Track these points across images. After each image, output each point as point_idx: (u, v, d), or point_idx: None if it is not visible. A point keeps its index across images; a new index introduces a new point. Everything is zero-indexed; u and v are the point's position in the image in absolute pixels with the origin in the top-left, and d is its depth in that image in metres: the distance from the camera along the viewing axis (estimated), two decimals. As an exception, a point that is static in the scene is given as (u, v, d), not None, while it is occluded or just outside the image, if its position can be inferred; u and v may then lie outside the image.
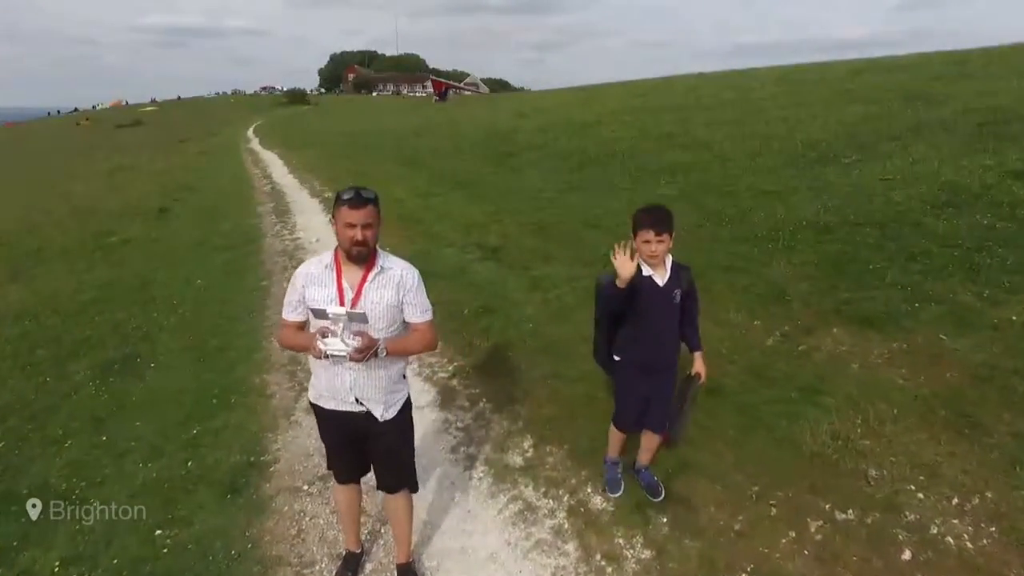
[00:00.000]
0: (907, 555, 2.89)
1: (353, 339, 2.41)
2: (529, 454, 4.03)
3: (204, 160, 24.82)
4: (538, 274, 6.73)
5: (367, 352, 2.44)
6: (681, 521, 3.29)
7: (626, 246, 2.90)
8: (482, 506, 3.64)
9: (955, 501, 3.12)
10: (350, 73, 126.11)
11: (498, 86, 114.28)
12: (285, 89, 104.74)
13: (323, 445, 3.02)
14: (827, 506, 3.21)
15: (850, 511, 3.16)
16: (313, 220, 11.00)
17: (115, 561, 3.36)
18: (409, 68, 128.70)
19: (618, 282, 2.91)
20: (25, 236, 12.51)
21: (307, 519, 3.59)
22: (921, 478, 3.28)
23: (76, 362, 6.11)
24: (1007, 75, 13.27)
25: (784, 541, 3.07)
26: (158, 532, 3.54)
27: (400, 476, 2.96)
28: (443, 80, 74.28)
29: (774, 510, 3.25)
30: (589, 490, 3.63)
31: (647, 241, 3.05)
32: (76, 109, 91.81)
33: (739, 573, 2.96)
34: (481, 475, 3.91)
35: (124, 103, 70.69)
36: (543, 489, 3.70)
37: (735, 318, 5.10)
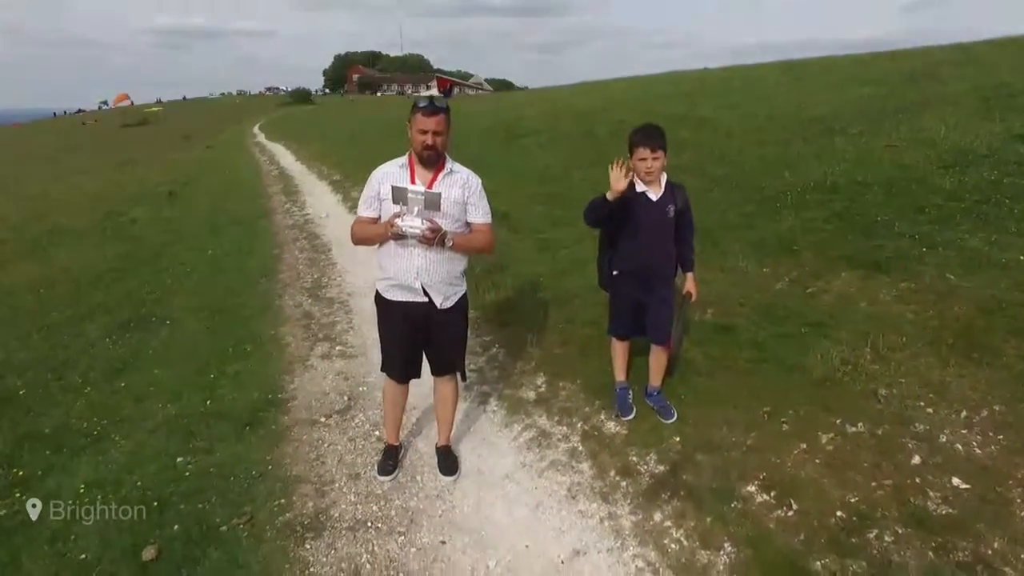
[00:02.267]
0: (917, 460, 2.94)
1: (426, 222, 2.72)
2: (542, 389, 4.08)
3: (211, 152, 24.96)
4: (547, 237, 6.80)
5: (437, 233, 2.75)
6: (693, 439, 3.35)
7: (623, 163, 3.01)
8: (496, 435, 3.71)
9: (963, 414, 3.17)
10: (354, 73, 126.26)
11: (502, 87, 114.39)
12: (289, 89, 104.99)
13: (380, 349, 3.27)
14: (837, 421, 3.26)
15: (860, 424, 3.21)
16: (322, 199, 11.08)
17: (138, 483, 3.43)
18: (413, 68, 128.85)
19: (608, 194, 3.06)
20: (37, 221, 12.64)
21: (325, 445, 3.66)
22: (930, 396, 3.33)
23: (92, 322, 6.19)
24: (1014, 59, 13.25)
25: (795, 452, 3.12)
26: (179, 459, 3.61)
27: (453, 361, 3.25)
28: (448, 78, 74.40)
29: (785, 426, 3.31)
30: (602, 416, 3.69)
31: (643, 159, 3.19)
32: (80, 110, 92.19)
33: (752, 482, 3.01)
34: (495, 408, 3.97)
35: (130, 101, 70.90)
36: (556, 418, 3.76)
37: (744, 266, 5.15)
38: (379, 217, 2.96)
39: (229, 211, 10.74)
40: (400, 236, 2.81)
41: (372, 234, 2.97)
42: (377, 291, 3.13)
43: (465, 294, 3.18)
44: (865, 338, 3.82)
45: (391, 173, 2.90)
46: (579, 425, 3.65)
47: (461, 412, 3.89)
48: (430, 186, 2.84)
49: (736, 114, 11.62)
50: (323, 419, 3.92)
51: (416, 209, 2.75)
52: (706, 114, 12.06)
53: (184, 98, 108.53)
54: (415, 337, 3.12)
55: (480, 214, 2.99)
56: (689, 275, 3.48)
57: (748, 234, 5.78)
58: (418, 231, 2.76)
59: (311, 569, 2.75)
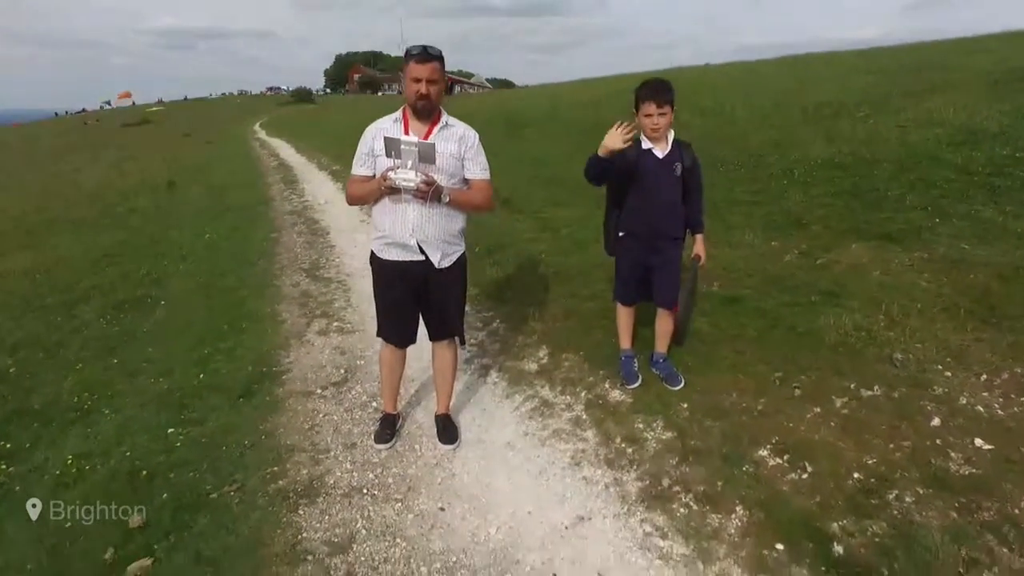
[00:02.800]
0: (936, 422, 2.81)
1: (420, 174, 2.61)
2: (544, 361, 3.96)
3: (212, 147, 24.88)
4: (548, 216, 6.68)
5: (433, 187, 2.64)
6: (701, 406, 3.23)
7: (626, 124, 2.88)
8: (497, 406, 3.59)
9: (983, 377, 3.04)
10: (355, 73, 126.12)
11: (502, 86, 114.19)
12: (291, 89, 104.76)
13: (375, 312, 3.14)
14: (852, 385, 3.14)
15: (876, 388, 3.08)
16: (322, 187, 10.98)
17: (127, 454, 3.32)
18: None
19: (600, 151, 2.93)
20: (35, 213, 12.55)
21: (320, 415, 3.54)
22: (948, 360, 3.20)
23: (86, 304, 6.08)
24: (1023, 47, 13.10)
25: (809, 416, 3.00)
26: (170, 431, 3.49)
27: (451, 324, 3.11)
28: (449, 76, 74.26)
29: (797, 391, 3.18)
30: (607, 385, 3.57)
31: (649, 115, 3.07)
32: (84, 109, 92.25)
33: (764, 446, 2.89)
34: (496, 380, 3.85)
35: (132, 101, 70.95)
36: (559, 388, 3.64)
37: (751, 240, 5.02)
38: (374, 175, 2.84)
39: (228, 199, 10.63)
40: (394, 190, 2.70)
41: (366, 191, 2.84)
42: (372, 251, 3.01)
43: (464, 254, 3.05)
44: (878, 305, 3.69)
45: (384, 127, 2.79)
46: (583, 394, 3.53)
47: (461, 384, 3.76)
48: (425, 139, 2.73)
49: (739, 101, 11.47)
50: (319, 391, 3.81)
51: (410, 162, 2.63)
52: (709, 104, 11.92)
53: (185, 98, 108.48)
54: (412, 299, 3.00)
55: (478, 170, 2.87)
56: (698, 237, 3.36)
57: (755, 210, 5.66)
58: (412, 184, 2.64)
59: (303, 534, 2.63)
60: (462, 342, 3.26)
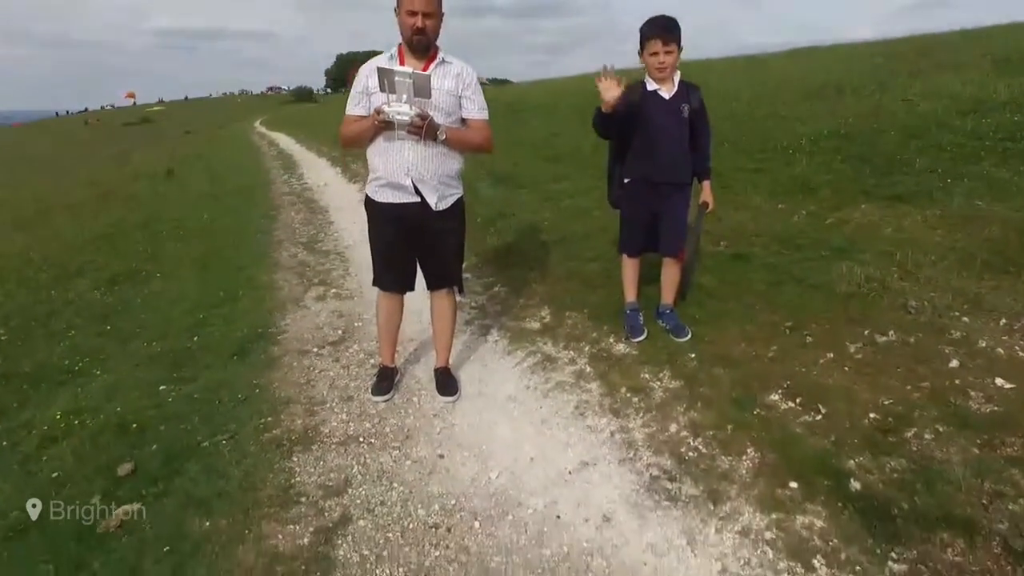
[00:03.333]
0: (955, 363, 2.70)
1: (415, 107, 2.50)
2: (547, 320, 3.86)
3: (212, 141, 24.81)
4: (550, 189, 6.57)
5: (427, 121, 2.53)
6: (710, 356, 3.12)
7: (609, 73, 2.80)
8: (498, 362, 3.48)
9: (1003, 322, 2.93)
10: (356, 73, 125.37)
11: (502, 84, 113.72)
12: (291, 89, 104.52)
13: (371, 261, 3.04)
14: (865, 332, 3.03)
15: (891, 333, 2.98)
16: (321, 172, 10.88)
17: (118, 409, 3.22)
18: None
19: (603, 107, 2.85)
20: (34, 202, 12.48)
21: (316, 371, 3.44)
22: (965, 306, 3.09)
23: (80, 279, 6.00)
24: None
25: (821, 362, 2.89)
26: (162, 388, 3.40)
27: (449, 272, 3.01)
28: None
29: (809, 339, 3.08)
30: (611, 340, 3.46)
31: (655, 53, 2.96)
32: (86, 109, 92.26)
33: (775, 390, 2.78)
34: (497, 338, 3.75)
35: (133, 102, 71.02)
36: (562, 343, 3.53)
37: (758, 203, 4.91)
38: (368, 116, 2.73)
39: (226, 184, 10.54)
40: (388, 127, 2.59)
41: (359, 129, 2.72)
42: (367, 195, 2.91)
43: (462, 198, 2.94)
44: (891, 258, 3.58)
45: (379, 62, 2.65)
46: (586, 349, 3.43)
47: (460, 343, 3.66)
48: None
49: (744, 83, 11.36)
50: (315, 349, 3.71)
51: (404, 95, 2.52)
52: (714, 85, 11.79)
53: (186, 98, 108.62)
54: (408, 243, 2.90)
55: (476, 109, 2.76)
56: (706, 184, 3.24)
57: (761, 177, 5.55)
58: (407, 118, 2.53)
59: (296, 479, 2.53)
60: (460, 291, 3.16)
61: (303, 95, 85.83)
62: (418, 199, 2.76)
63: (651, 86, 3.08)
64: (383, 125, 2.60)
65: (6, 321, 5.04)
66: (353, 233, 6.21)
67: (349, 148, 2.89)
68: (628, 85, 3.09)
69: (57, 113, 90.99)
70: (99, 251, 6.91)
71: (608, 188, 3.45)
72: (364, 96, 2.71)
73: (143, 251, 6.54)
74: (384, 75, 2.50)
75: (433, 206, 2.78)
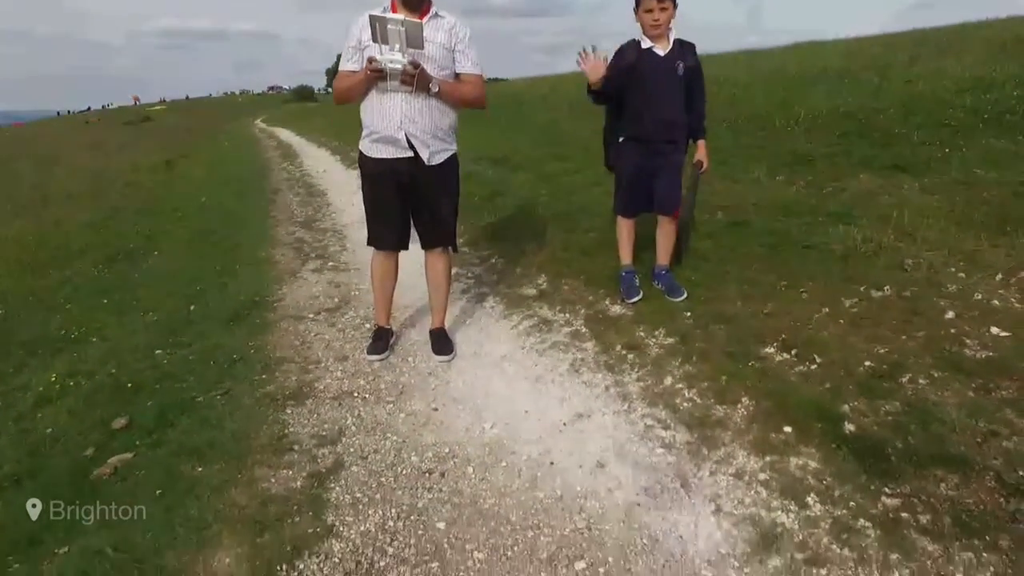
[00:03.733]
0: (950, 314, 2.69)
1: (407, 55, 2.50)
2: (543, 286, 3.85)
3: (212, 136, 24.81)
4: (547, 170, 6.56)
5: (419, 70, 2.52)
6: (706, 314, 3.11)
7: (588, 52, 2.86)
8: (494, 325, 3.48)
9: (999, 277, 2.92)
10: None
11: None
12: (292, 88, 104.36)
13: (365, 218, 3.04)
14: (862, 288, 3.02)
15: (887, 288, 2.97)
16: (320, 160, 10.88)
17: (112, 371, 3.23)
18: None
19: (592, 86, 2.90)
20: (33, 190, 12.50)
21: (312, 335, 3.44)
22: (961, 263, 3.08)
23: (79, 260, 6.01)
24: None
25: (817, 316, 2.88)
26: (158, 352, 3.40)
27: (443, 229, 2.99)
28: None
29: (805, 295, 3.07)
30: (607, 302, 3.46)
31: (649, 10, 2.97)
32: (89, 108, 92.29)
33: (770, 344, 2.77)
34: (493, 304, 3.74)
35: (135, 100, 71.00)
36: (558, 307, 3.53)
37: (757, 176, 4.90)
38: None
39: (225, 172, 10.56)
40: (380, 75, 2.57)
41: (353, 82, 2.72)
42: (360, 152, 2.90)
43: (455, 155, 2.94)
44: (888, 221, 3.57)
45: (372, 12, 2.64)
46: (582, 311, 3.42)
47: (456, 309, 3.65)
48: None
49: (743, 70, 11.33)
50: (311, 315, 3.71)
51: (397, 45, 2.51)
52: (713, 72, 11.79)
53: (187, 97, 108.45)
54: (402, 199, 2.89)
55: (469, 64, 2.76)
56: (700, 143, 3.24)
57: (760, 152, 5.54)
58: (399, 66, 2.52)
59: (290, 429, 2.53)
60: (454, 250, 3.14)
61: (304, 94, 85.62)
62: (411, 153, 2.75)
63: (646, 44, 3.07)
64: (376, 75, 2.59)
65: (4, 298, 5.05)
66: (351, 214, 6.20)
67: (343, 102, 2.88)
68: (618, 48, 3.11)
69: (59, 113, 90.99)
70: (97, 234, 6.92)
71: (605, 152, 3.44)
72: (357, 51, 2.71)
73: (140, 232, 6.54)
74: (376, 22, 2.48)
75: (426, 160, 2.77)
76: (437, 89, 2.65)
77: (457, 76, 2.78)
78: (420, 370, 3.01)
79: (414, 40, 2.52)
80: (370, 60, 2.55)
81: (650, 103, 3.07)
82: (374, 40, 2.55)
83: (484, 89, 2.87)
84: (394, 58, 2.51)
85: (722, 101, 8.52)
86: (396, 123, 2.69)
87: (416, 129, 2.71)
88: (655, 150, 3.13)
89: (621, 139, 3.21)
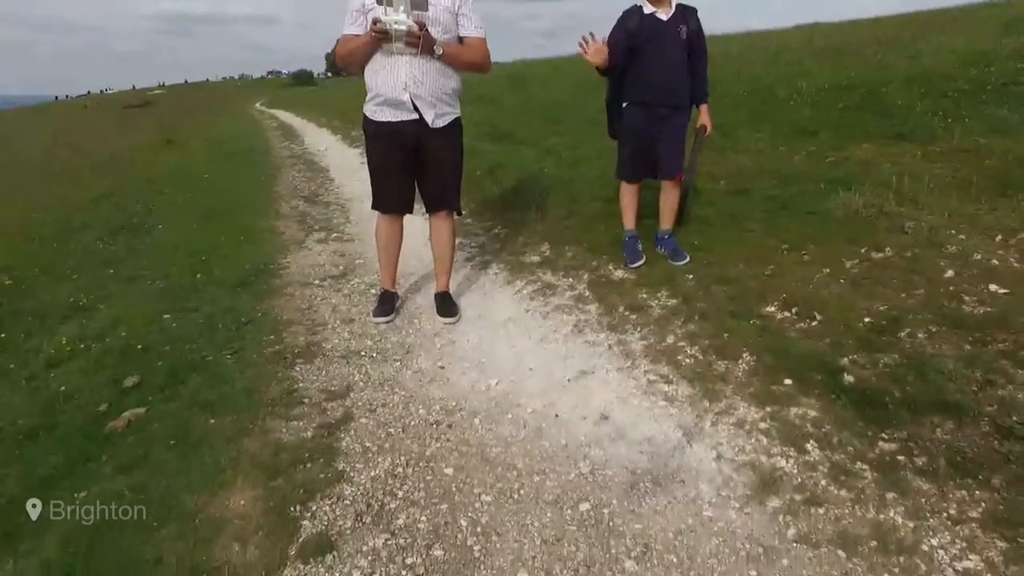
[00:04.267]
0: (950, 273, 2.73)
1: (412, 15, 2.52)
2: (547, 254, 3.88)
3: (212, 118, 24.71)
4: (551, 144, 6.56)
5: (424, 31, 2.55)
6: (708, 276, 3.15)
7: (589, 39, 2.95)
8: (498, 290, 3.52)
9: (998, 238, 2.95)
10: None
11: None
12: (291, 73, 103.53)
13: (369, 185, 3.05)
14: (862, 250, 3.05)
15: (888, 250, 3.00)
16: (321, 139, 10.87)
17: (123, 334, 3.26)
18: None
19: (598, 69, 3.02)
20: (30, 166, 12.49)
21: (318, 299, 3.48)
22: (962, 225, 3.10)
23: (83, 233, 6.04)
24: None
25: (818, 277, 2.92)
26: (166, 316, 3.43)
27: (446, 193, 3.01)
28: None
29: (806, 257, 3.10)
30: (610, 267, 3.49)
31: None
32: (88, 92, 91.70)
33: (771, 303, 2.81)
34: (497, 271, 3.77)
35: (132, 85, 70.55)
36: (561, 272, 3.56)
37: (759, 147, 4.91)
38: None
39: (227, 149, 10.53)
40: (383, 35, 2.58)
41: (357, 44, 2.74)
42: (364, 116, 2.92)
43: (459, 119, 2.96)
44: (889, 187, 3.59)
45: None
46: (585, 276, 3.46)
47: (461, 276, 3.69)
48: None
49: (746, 47, 11.27)
50: (317, 282, 3.74)
51: (401, 7, 2.53)
52: (714, 49, 11.72)
53: (186, 82, 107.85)
54: (406, 163, 2.91)
55: (473, 27, 2.78)
56: (703, 107, 3.26)
57: (761, 124, 5.54)
58: (403, 27, 2.54)
59: (299, 385, 2.57)
60: (458, 213, 3.18)
61: (303, 79, 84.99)
62: (416, 116, 2.78)
63: (648, 9, 3.08)
64: (380, 37, 2.60)
65: (11, 270, 5.08)
66: (354, 189, 6.22)
67: (346, 66, 2.90)
68: (621, 14, 3.13)
69: (56, 97, 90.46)
70: (100, 208, 6.95)
71: (608, 121, 3.45)
72: (360, 14, 2.71)
73: (144, 207, 6.56)
74: None
75: (430, 123, 2.80)
76: (441, 51, 2.67)
77: (461, 40, 2.80)
78: (426, 331, 3.06)
79: (418, 2, 2.54)
80: (375, 21, 2.56)
81: (654, 67, 3.08)
82: (378, 2, 2.56)
83: (487, 53, 2.88)
84: (399, 19, 2.53)
85: (724, 76, 8.48)
86: (401, 85, 2.71)
87: (421, 91, 2.73)
88: (658, 115, 3.15)
89: (625, 104, 3.23)
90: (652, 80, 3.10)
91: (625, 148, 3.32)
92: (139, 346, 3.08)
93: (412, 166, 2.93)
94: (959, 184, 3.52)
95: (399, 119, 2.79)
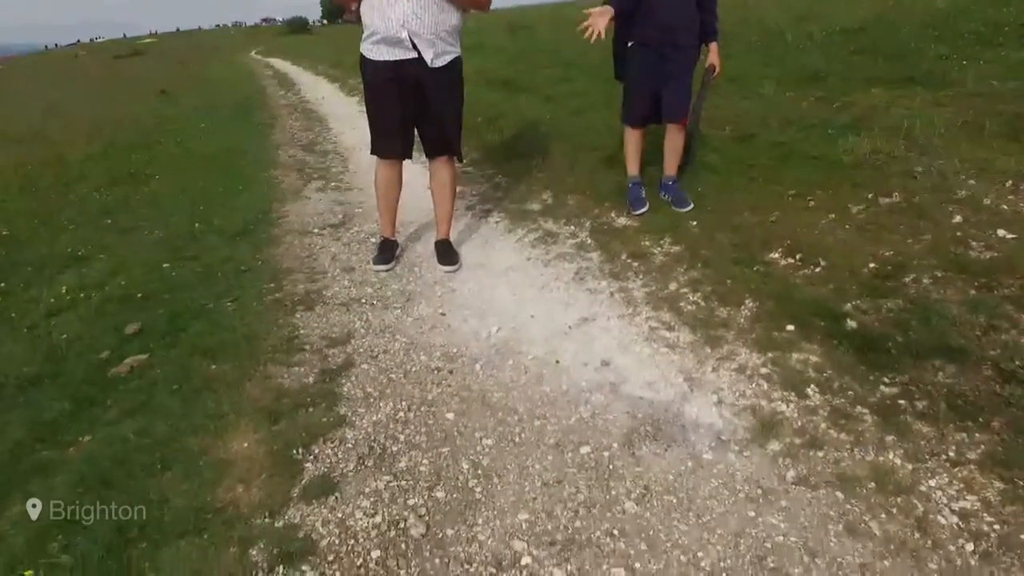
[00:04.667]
0: (958, 219, 2.68)
1: None
2: (549, 202, 3.83)
3: (206, 66, 24.15)
4: (556, 91, 6.40)
5: None
6: (712, 223, 3.11)
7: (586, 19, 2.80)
8: (499, 239, 3.48)
9: (1008, 183, 2.88)
10: (353, 2, 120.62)
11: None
12: (286, 20, 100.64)
13: (367, 130, 2.99)
14: (869, 195, 3.00)
15: (895, 195, 2.95)
16: (318, 88, 10.64)
17: (122, 283, 3.26)
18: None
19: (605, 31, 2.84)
20: (20, 122, 12.25)
21: (318, 248, 3.46)
22: (972, 170, 3.03)
23: (80, 184, 5.94)
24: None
25: (823, 222, 2.88)
26: (165, 265, 3.42)
27: (448, 136, 2.95)
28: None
29: (812, 203, 3.06)
30: (612, 214, 3.45)
31: None
32: (78, 41, 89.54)
33: (775, 249, 2.78)
34: (498, 220, 3.73)
35: (123, 34, 68.79)
36: (563, 221, 3.52)
37: (766, 92, 4.79)
38: None
39: (223, 99, 10.32)
40: None
41: None
42: (362, 55, 2.84)
43: (459, 58, 2.87)
44: (898, 131, 3.50)
45: None
46: (587, 224, 3.41)
47: (461, 225, 3.65)
48: None
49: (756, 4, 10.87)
50: (316, 230, 3.71)
51: None
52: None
53: (178, 30, 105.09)
54: (405, 105, 2.83)
55: None
56: (713, 46, 3.15)
57: (769, 70, 5.38)
58: None
59: (300, 331, 2.58)
60: (459, 159, 3.12)
61: (298, 26, 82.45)
62: (415, 55, 2.70)
63: None
64: None
65: (8, 221, 5.03)
66: (352, 137, 6.11)
67: (342, 2, 2.80)
68: None
69: (47, 47, 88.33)
70: (96, 162, 6.81)
71: (615, 63, 3.35)
72: None
73: (140, 158, 6.45)
74: None
75: (429, 62, 2.71)
76: None
77: None
78: (426, 279, 3.04)
79: None
80: None
81: (659, 6, 2.96)
82: None
83: None
84: None
85: (734, 21, 8.22)
86: (399, 22, 2.63)
87: (419, 28, 2.65)
88: (663, 55, 3.05)
89: (630, 44, 3.12)
90: (657, 20, 2.98)
91: (629, 90, 3.23)
92: (139, 294, 3.08)
93: (411, 109, 2.86)
94: (971, 129, 3.43)
95: (398, 58, 2.71)
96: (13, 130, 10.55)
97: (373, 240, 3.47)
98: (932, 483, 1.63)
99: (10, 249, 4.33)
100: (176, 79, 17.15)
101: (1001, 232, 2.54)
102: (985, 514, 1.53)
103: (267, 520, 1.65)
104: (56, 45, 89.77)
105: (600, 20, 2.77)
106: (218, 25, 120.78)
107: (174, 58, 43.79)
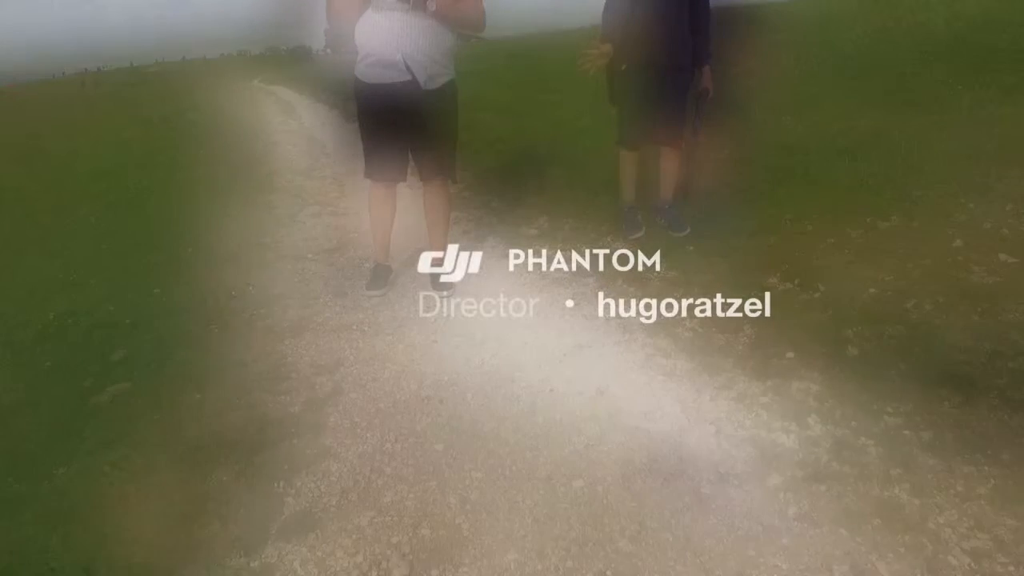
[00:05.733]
0: (958, 243, 2.64)
1: None
2: (545, 227, 3.80)
3: (209, 94, 24.44)
4: (552, 116, 6.44)
5: None
6: (708, 248, 3.07)
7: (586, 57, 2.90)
8: (495, 263, 3.42)
9: (1008, 207, 2.85)
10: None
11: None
12: (290, 49, 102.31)
13: (362, 148, 2.98)
14: (868, 219, 2.97)
15: (894, 219, 2.91)
16: (318, 115, 10.70)
17: (111, 309, 3.21)
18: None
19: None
20: (27, 139, 12.34)
21: (310, 273, 3.42)
22: (972, 194, 3.01)
23: (76, 208, 5.93)
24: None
25: (822, 247, 2.84)
26: (156, 290, 3.37)
27: (441, 160, 2.91)
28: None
29: (810, 227, 3.02)
30: (608, 239, 3.42)
31: None
32: (85, 71, 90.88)
33: (774, 274, 2.73)
34: (494, 244, 3.68)
35: (130, 63, 69.80)
36: (559, 245, 3.46)
37: (760, 118, 4.77)
38: None
39: (223, 126, 10.38)
40: None
41: None
42: (355, 77, 2.82)
43: (453, 81, 2.85)
44: (896, 155, 3.48)
45: None
46: (584, 249, 3.35)
47: (454, 250, 3.60)
48: None
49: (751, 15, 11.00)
50: (310, 255, 3.67)
51: None
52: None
53: (183, 59, 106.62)
54: (399, 128, 2.80)
55: None
56: (706, 69, 3.14)
57: (763, 95, 5.37)
58: None
59: (288, 359, 2.52)
60: (454, 181, 3.08)
61: (301, 55, 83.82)
62: (408, 77, 2.68)
63: None
64: None
65: (4, 243, 5.01)
66: (350, 164, 6.10)
67: (337, 20, 2.78)
68: None
69: (54, 75, 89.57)
70: (95, 186, 6.83)
71: (608, 88, 3.34)
72: None
73: (137, 184, 6.45)
74: None
75: (422, 84, 2.70)
76: (434, 7, 2.56)
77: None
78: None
79: None
80: None
81: (652, 28, 2.96)
82: None
83: (483, 9, 2.76)
84: None
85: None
86: (394, 44, 2.62)
87: (413, 51, 2.63)
88: (658, 78, 3.03)
89: (624, 67, 3.11)
90: (651, 42, 2.97)
91: (624, 113, 3.22)
92: (127, 320, 3.03)
93: (405, 131, 2.83)
94: (969, 152, 3.42)
95: (391, 80, 2.69)
96: None
97: (366, 266, 3.42)
98: (941, 520, 1.56)
99: (2, 272, 4.29)
100: (178, 106, 17.33)
101: (1003, 256, 2.49)
102: (999, 554, 1.45)
103: (243, 559, 1.57)
104: (63, 74, 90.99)
105: (599, 61, 2.83)
106: (222, 54, 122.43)
107: (178, 86, 44.43)
